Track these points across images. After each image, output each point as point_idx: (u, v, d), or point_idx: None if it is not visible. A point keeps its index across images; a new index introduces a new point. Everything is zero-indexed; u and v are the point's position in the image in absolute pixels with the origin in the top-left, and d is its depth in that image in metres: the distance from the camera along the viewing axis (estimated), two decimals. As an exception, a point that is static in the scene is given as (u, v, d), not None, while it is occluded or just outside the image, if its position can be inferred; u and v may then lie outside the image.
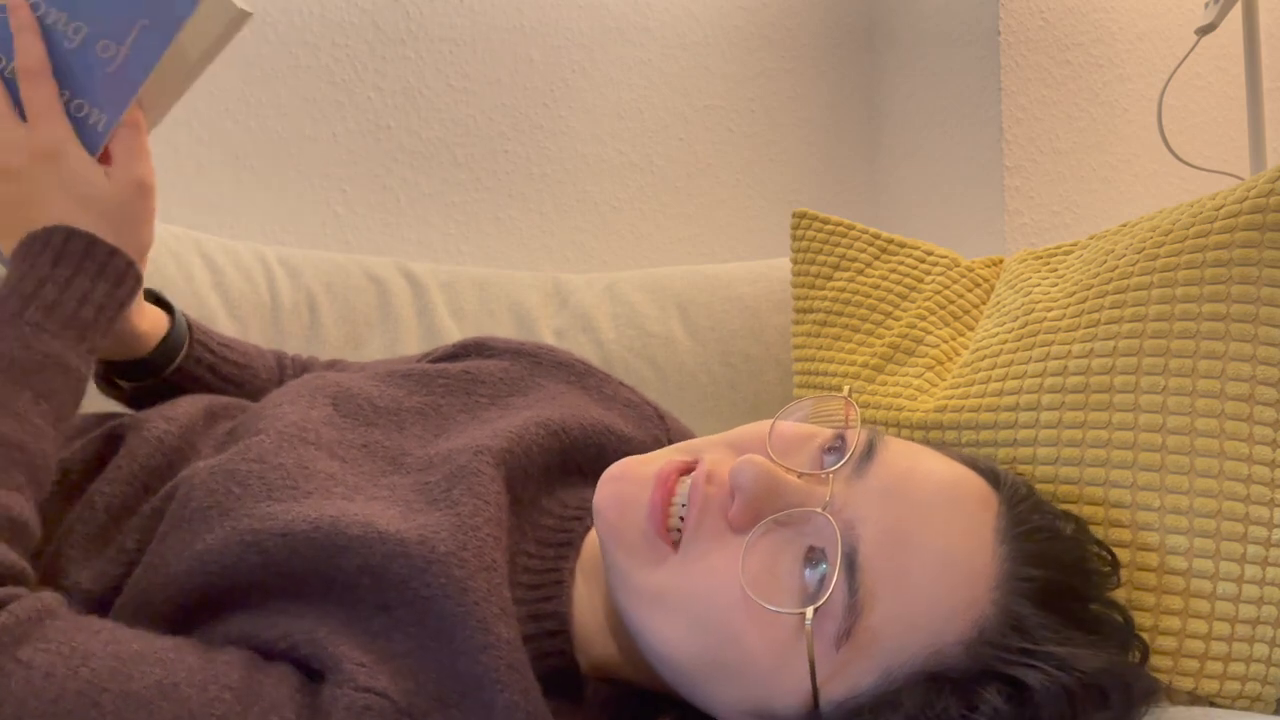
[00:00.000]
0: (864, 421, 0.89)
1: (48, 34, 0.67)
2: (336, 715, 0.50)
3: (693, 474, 0.58)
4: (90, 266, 0.64)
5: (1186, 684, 0.67)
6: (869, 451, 0.58)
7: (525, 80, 1.51)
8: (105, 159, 0.68)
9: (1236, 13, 1.44)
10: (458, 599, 0.54)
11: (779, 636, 0.54)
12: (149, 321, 0.76)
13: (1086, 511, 0.71)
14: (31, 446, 0.57)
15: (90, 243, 0.64)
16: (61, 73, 0.67)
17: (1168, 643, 0.68)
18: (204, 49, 0.69)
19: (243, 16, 0.69)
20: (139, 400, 0.80)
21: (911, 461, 0.58)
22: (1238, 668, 0.67)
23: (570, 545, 0.64)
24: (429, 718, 0.52)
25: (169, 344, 0.78)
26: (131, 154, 0.68)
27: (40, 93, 0.66)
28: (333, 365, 0.92)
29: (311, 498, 0.60)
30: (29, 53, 0.66)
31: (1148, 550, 0.69)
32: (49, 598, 0.52)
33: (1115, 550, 0.69)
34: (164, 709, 0.48)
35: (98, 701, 0.47)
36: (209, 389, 0.81)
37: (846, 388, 0.89)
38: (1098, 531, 0.70)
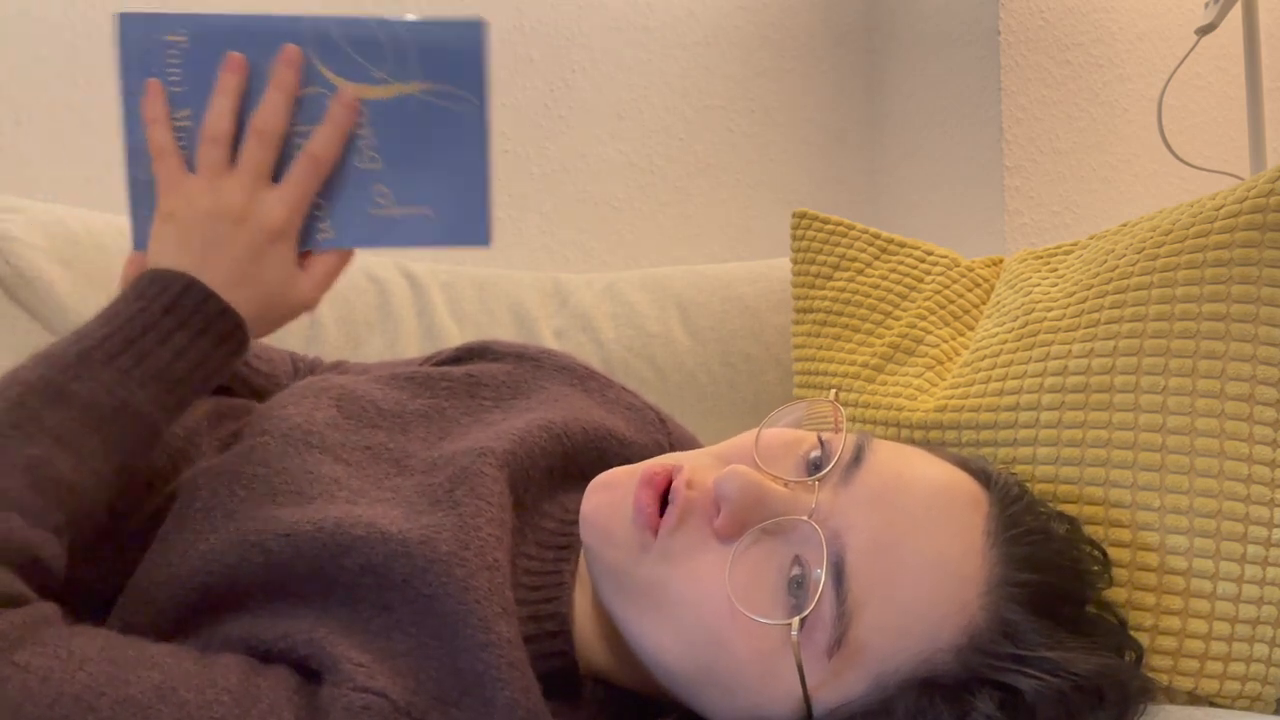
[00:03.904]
0: (864, 421, 0.89)
1: (349, 143, 0.66)
2: (335, 715, 0.50)
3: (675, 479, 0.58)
4: (197, 321, 0.62)
5: (1186, 684, 0.68)
6: (857, 457, 0.58)
7: (525, 80, 1.51)
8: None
9: (1236, 13, 1.43)
10: (459, 597, 0.54)
11: (767, 647, 0.54)
12: None
13: (1086, 511, 0.71)
14: (84, 492, 0.56)
15: (205, 299, 0.62)
16: (332, 174, 0.67)
17: (1168, 643, 0.68)
18: None
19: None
20: None
21: (900, 465, 0.58)
22: (1238, 668, 0.67)
23: (570, 549, 0.64)
24: (428, 717, 0.52)
25: None
26: (324, 279, 0.68)
27: (307, 179, 0.65)
28: (337, 366, 0.92)
29: (315, 502, 0.60)
30: (325, 146, 0.65)
31: (1148, 550, 0.69)
32: (46, 607, 0.52)
33: (1115, 550, 0.69)
34: (162, 712, 0.48)
35: (94, 706, 0.47)
36: (233, 395, 0.81)
37: (833, 391, 0.89)
38: (1098, 531, 0.70)
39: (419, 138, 0.67)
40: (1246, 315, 0.70)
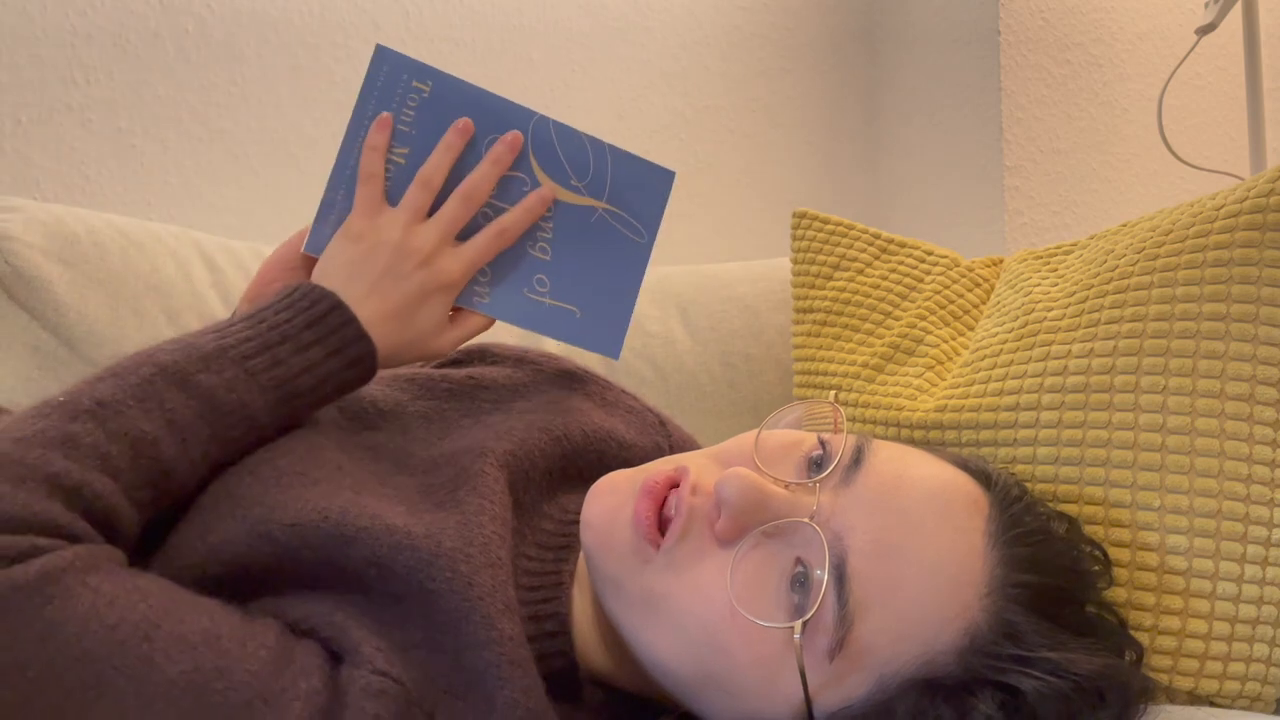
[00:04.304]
0: (864, 421, 0.89)
1: (530, 230, 0.74)
2: (353, 694, 0.51)
3: (679, 485, 0.58)
4: (334, 341, 0.65)
5: (1186, 684, 0.68)
6: (857, 458, 0.58)
7: (525, 80, 1.51)
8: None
9: (1236, 13, 1.44)
10: (463, 593, 0.54)
11: (768, 650, 0.54)
12: None
13: (1087, 511, 0.71)
14: (174, 478, 0.58)
15: (346, 322, 0.65)
16: (505, 252, 0.74)
17: (1168, 643, 0.68)
18: None
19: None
20: None
21: (900, 467, 0.58)
22: (1238, 668, 0.67)
23: (569, 549, 0.65)
24: (436, 707, 0.53)
25: None
26: (462, 337, 0.74)
27: (489, 247, 0.73)
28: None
29: (320, 485, 0.60)
30: (515, 225, 0.73)
31: (1148, 550, 0.69)
32: (119, 551, 0.54)
33: (1115, 550, 0.69)
34: (206, 654, 0.50)
35: (149, 636, 0.49)
36: None
37: (833, 393, 0.89)
38: (1098, 531, 0.70)
39: (590, 247, 0.75)
40: (1246, 315, 0.70)
